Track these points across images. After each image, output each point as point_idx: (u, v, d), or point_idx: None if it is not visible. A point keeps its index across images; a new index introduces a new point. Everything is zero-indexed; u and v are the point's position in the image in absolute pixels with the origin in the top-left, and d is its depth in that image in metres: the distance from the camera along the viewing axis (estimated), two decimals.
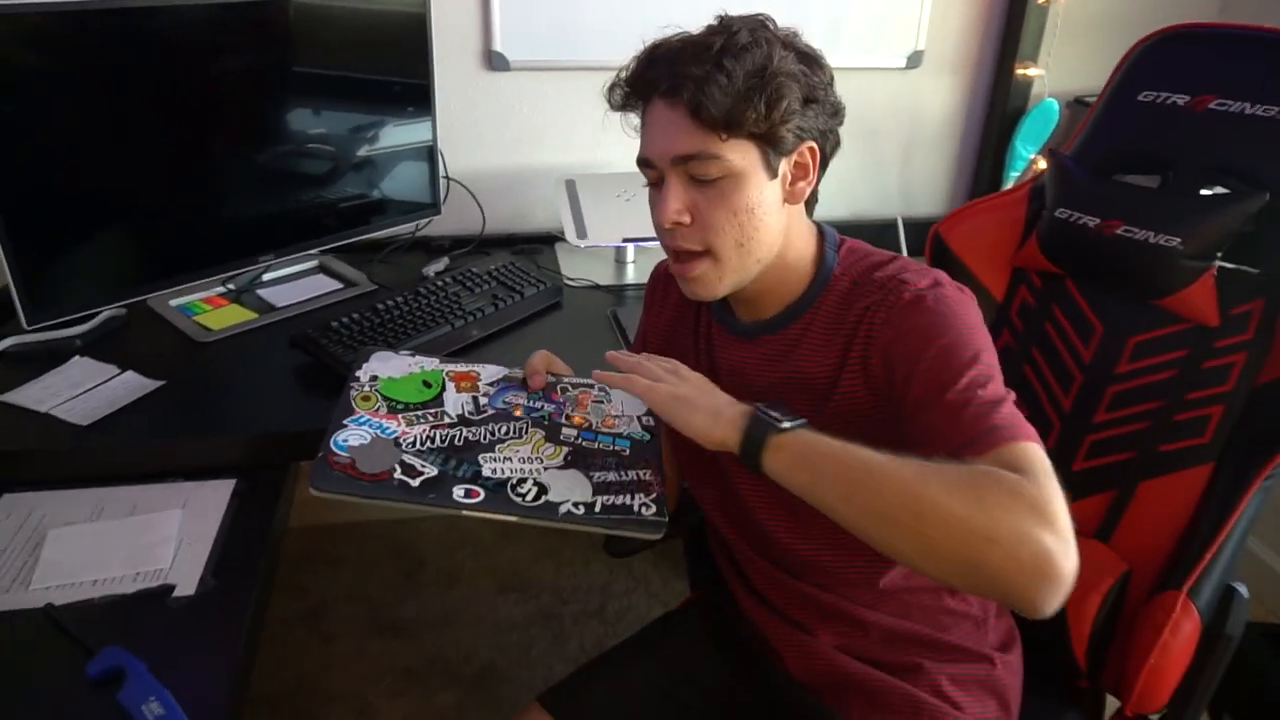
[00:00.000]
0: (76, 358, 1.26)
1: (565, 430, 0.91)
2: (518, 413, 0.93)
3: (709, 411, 0.79)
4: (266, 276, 1.54)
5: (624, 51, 0.89)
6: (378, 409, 0.90)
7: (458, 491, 0.81)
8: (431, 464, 0.84)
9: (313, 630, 1.84)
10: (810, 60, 0.85)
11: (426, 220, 1.71)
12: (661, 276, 1.09)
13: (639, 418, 0.93)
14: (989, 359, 0.78)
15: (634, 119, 0.89)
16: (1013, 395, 0.77)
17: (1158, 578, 1.03)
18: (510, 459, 0.86)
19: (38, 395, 1.16)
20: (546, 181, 1.79)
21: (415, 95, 1.57)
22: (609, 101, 0.89)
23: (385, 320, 1.32)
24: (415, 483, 0.81)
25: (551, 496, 0.82)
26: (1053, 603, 0.63)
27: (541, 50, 1.74)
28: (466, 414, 0.91)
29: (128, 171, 1.28)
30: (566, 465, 0.86)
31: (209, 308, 1.44)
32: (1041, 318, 1.16)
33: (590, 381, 0.96)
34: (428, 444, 0.86)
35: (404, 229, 1.71)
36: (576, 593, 1.96)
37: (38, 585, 0.92)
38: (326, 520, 2.09)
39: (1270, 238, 1.01)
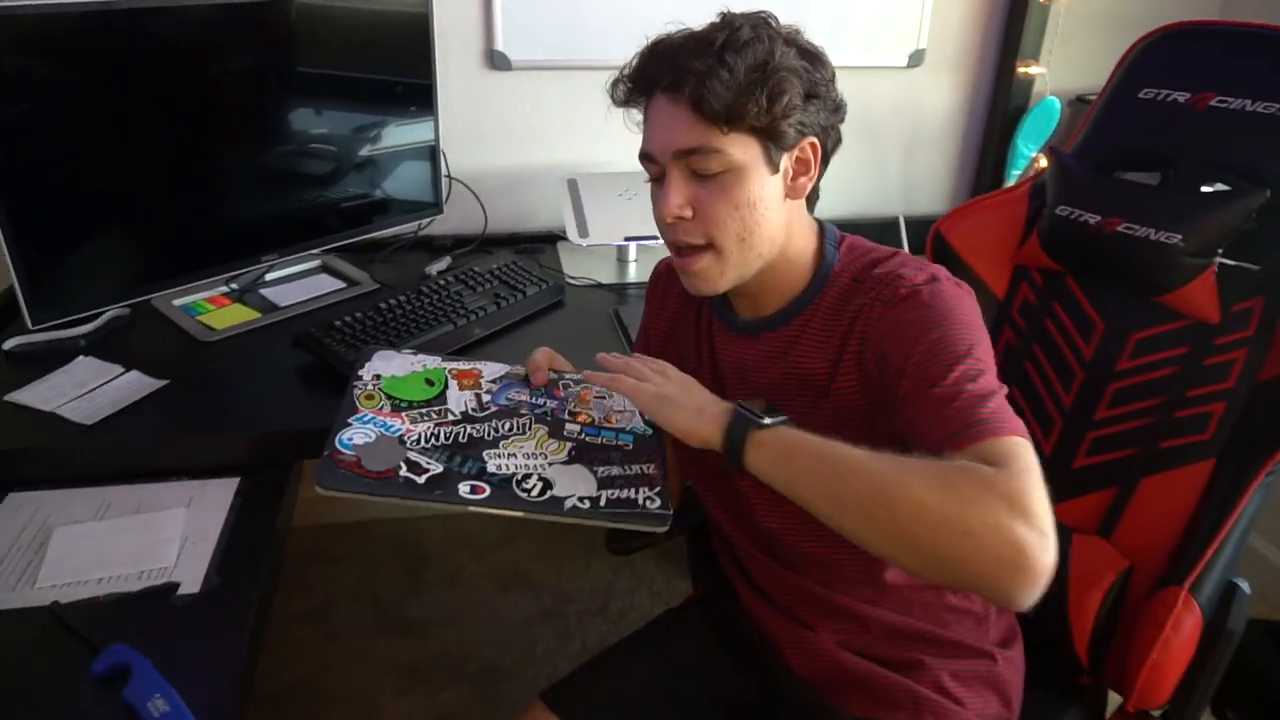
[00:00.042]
0: (81, 357, 1.27)
1: (569, 426, 0.92)
2: (522, 411, 0.93)
3: (692, 410, 0.81)
4: (269, 276, 1.54)
5: (625, 50, 0.89)
6: (381, 407, 0.90)
7: (463, 488, 0.82)
8: (436, 461, 0.84)
9: (317, 628, 1.84)
10: (812, 56, 0.86)
11: (429, 219, 1.71)
12: (662, 274, 1.09)
13: (641, 413, 0.93)
14: (982, 354, 0.78)
15: (637, 115, 0.90)
16: (1004, 390, 0.77)
17: (1159, 574, 1.03)
18: (515, 455, 0.87)
19: (43, 395, 1.17)
20: (548, 180, 1.79)
21: (417, 95, 1.57)
22: (611, 97, 0.90)
23: (388, 319, 1.32)
24: (421, 480, 0.82)
25: (557, 491, 0.83)
26: (1028, 595, 0.64)
27: (543, 50, 1.74)
28: (470, 411, 0.92)
29: (131, 172, 1.28)
30: (571, 460, 0.87)
31: (212, 307, 1.44)
32: (1043, 315, 1.16)
33: None
34: (432, 441, 0.87)
35: (406, 228, 1.71)
36: (579, 592, 1.96)
37: (43, 583, 0.92)
38: (330, 519, 2.10)
39: (1271, 234, 1.01)
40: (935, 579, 0.68)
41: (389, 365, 0.98)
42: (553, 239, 1.80)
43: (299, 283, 1.56)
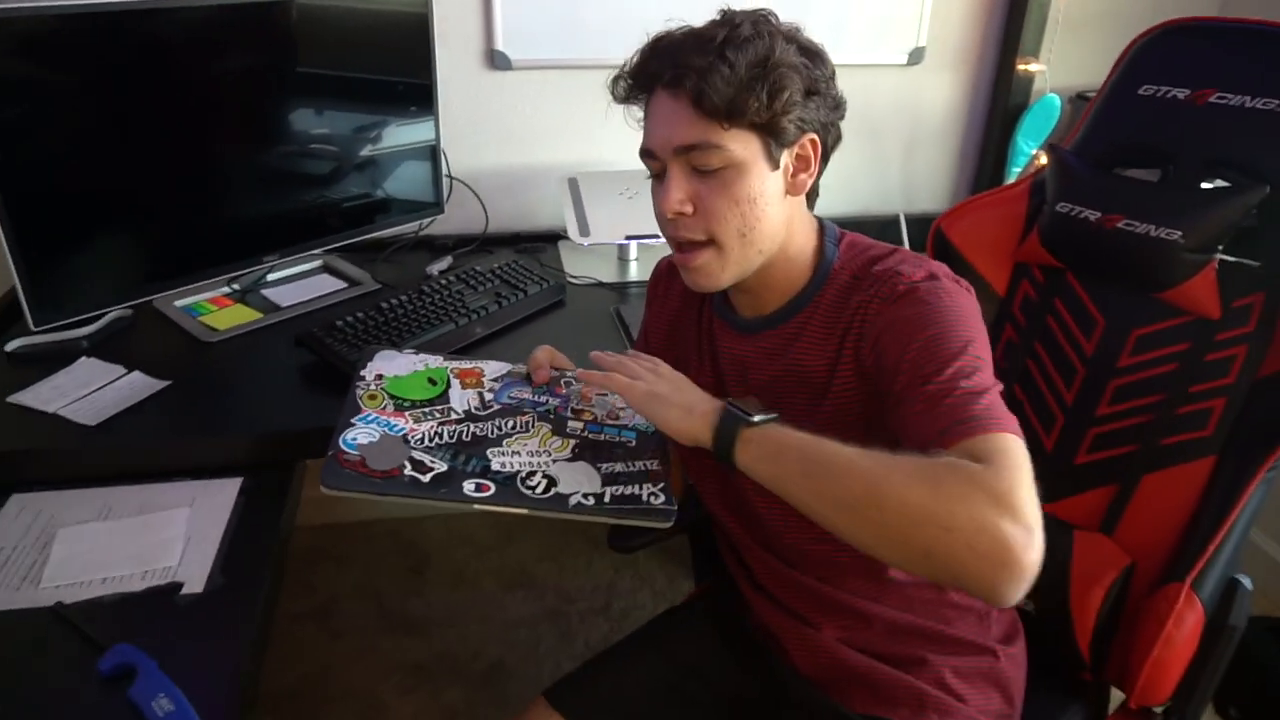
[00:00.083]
0: (83, 358, 1.27)
1: (571, 423, 0.92)
2: (524, 409, 0.93)
3: (683, 408, 0.81)
4: (271, 277, 1.54)
5: (626, 49, 0.90)
6: (385, 407, 0.91)
7: (468, 486, 0.82)
8: (441, 459, 0.84)
9: (321, 627, 1.85)
10: (812, 54, 0.86)
11: (430, 219, 1.72)
12: (663, 273, 1.09)
13: None
14: (977, 350, 0.78)
15: (637, 112, 0.90)
16: (999, 386, 0.77)
17: (1161, 570, 1.03)
18: (519, 453, 0.87)
19: (46, 395, 1.17)
20: (549, 180, 1.79)
21: (418, 95, 1.57)
22: (612, 94, 0.90)
23: (389, 319, 1.32)
24: (426, 478, 0.82)
25: (561, 489, 0.83)
26: (1013, 592, 0.64)
27: (543, 49, 1.74)
28: (473, 410, 0.92)
29: (133, 173, 1.29)
30: (574, 457, 0.87)
31: (214, 308, 1.44)
32: (1044, 311, 1.16)
33: None
34: (436, 440, 0.87)
35: (407, 228, 1.72)
36: (582, 590, 1.97)
37: (48, 584, 0.92)
38: (332, 519, 2.10)
39: (1271, 231, 1.01)
40: (922, 575, 0.68)
41: (391, 365, 0.98)
42: (554, 238, 1.80)
43: (300, 283, 1.56)
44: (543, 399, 0.95)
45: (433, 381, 0.96)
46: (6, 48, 1.12)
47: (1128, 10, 1.88)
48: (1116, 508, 1.08)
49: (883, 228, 1.82)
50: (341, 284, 1.57)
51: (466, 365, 1.00)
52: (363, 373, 0.96)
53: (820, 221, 0.95)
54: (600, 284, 1.63)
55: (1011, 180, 1.88)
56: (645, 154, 0.88)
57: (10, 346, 1.28)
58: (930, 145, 2.02)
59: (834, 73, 0.88)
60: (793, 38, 0.86)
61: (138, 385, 1.21)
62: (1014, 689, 0.98)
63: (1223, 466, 1.01)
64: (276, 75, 1.41)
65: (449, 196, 1.72)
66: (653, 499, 0.84)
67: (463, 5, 1.68)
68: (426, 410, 0.91)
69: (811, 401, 0.89)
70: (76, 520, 1.01)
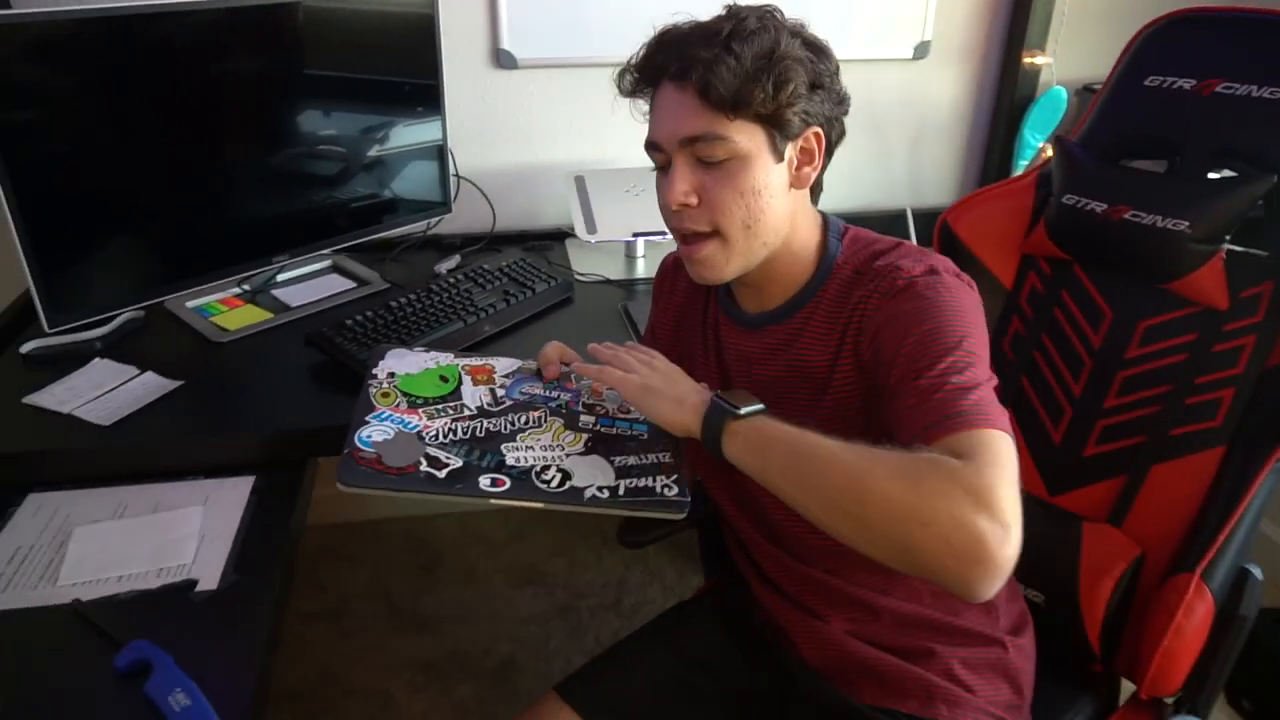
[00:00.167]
0: (97, 359, 1.28)
1: (584, 418, 0.93)
2: (536, 404, 0.94)
3: (674, 400, 0.83)
4: (281, 277, 1.56)
5: (631, 47, 0.91)
6: (398, 404, 0.91)
7: (484, 481, 0.83)
8: (456, 455, 0.85)
9: (332, 625, 1.86)
10: (817, 49, 0.87)
11: (437, 218, 1.72)
12: (669, 269, 1.10)
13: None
14: (973, 346, 0.79)
15: (643, 106, 0.91)
16: (992, 382, 0.77)
17: (1171, 561, 1.03)
18: (532, 447, 0.88)
19: (60, 396, 1.18)
20: (556, 178, 1.80)
21: (424, 95, 1.58)
22: (619, 88, 0.91)
23: (399, 318, 1.33)
24: (441, 474, 0.83)
25: (576, 482, 0.84)
26: (987, 587, 0.65)
27: (549, 48, 1.75)
28: (485, 406, 0.93)
29: (144, 176, 1.30)
30: (587, 451, 0.88)
31: (225, 308, 1.45)
32: (1051, 304, 1.16)
33: None
34: (450, 436, 0.88)
35: (415, 227, 1.72)
36: (592, 586, 1.97)
37: (65, 581, 0.93)
38: (342, 518, 2.11)
39: (1279, 220, 1.01)
40: (901, 568, 0.69)
41: (402, 363, 0.99)
42: (561, 236, 1.81)
43: (310, 283, 1.57)
44: (554, 394, 0.96)
45: (444, 379, 0.97)
46: (20, 53, 1.13)
47: (1133, 1, 1.86)
48: (1125, 499, 1.08)
49: (890, 222, 1.83)
50: (350, 283, 1.58)
51: (477, 362, 1.00)
52: (374, 371, 0.97)
53: (824, 216, 0.95)
54: (608, 281, 1.63)
55: (1018, 173, 1.88)
56: (650, 146, 0.89)
57: (25, 348, 1.30)
58: (937, 139, 2.02)
59: (838, 68, 0.89)
60: (797, 32, 0.86)
61: (150, 386, 1.22)
62: (1023, 680, 0.98)
63: (1232, 457, 1.01)
64: (284, 77, 1.42)
65: (456, 196, 1.73)
66: (666, 491, 0.85)
67: (468, 5, 1.69)
68: (439, 407, 0.92)
69: (814, 396, 0.89)
70: (92, 519, 1.03)
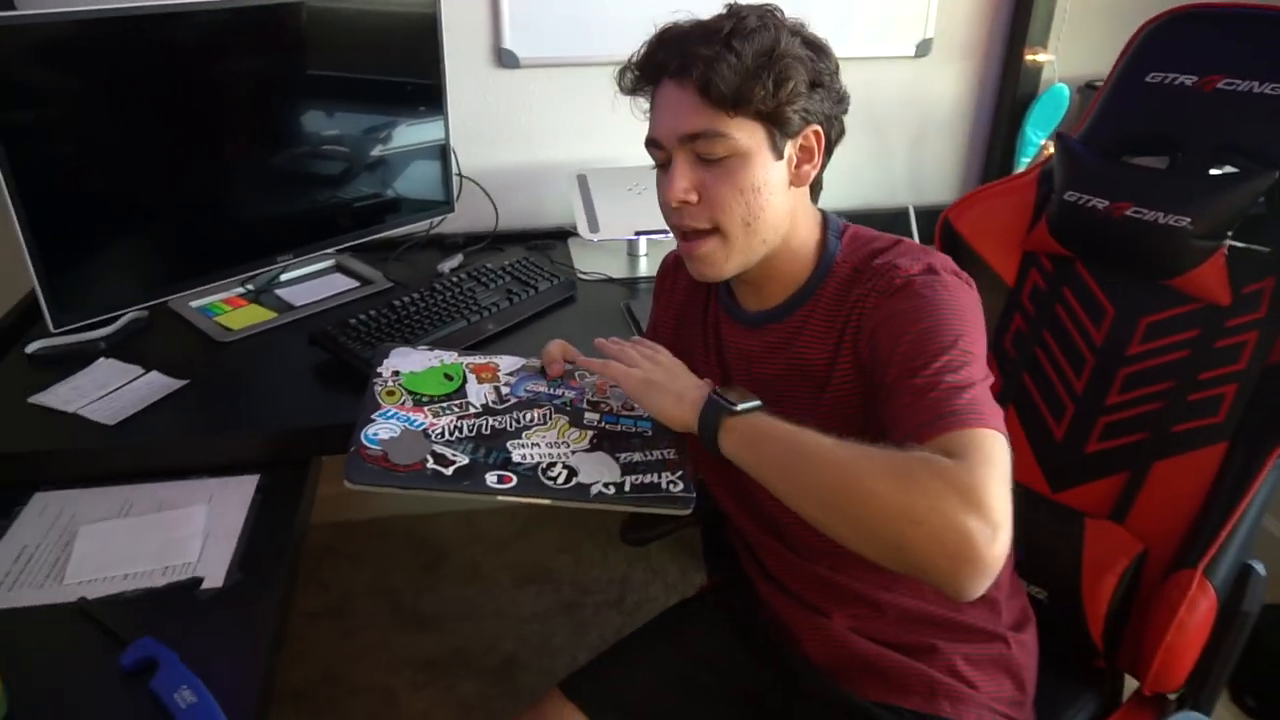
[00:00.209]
0: (102, 359, 1.29)
1: (588, 415, 0.93)
2: (541, 402, 0.95)
3: (673, 395, 0.84)
4: (284, 276, 1.56)
5: (633, 46, 0.91)
6: (403, 403, 0.92)
7: (490, 478, 0.83)
8: (462, 453, 0.86)
9: (336, 624, 1.86)
10: (817, 47, 0.87)
11: (440, 218, 1.73)
12: (670, 267, 1.10)
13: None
14: (968, 345, 0.79)
15: (643, 104, 0.91)
16: (988, 381, 0.77)
17: (1173, 557, 1.03)
18: (538, 444, 0.88)
19: (66, 396, 1.19)
20: (558, 177, 1.80)
21: (427, 94, 1.58)
22: (619, 85, 0.91)
23: (402, 317, 1.34)
24: (448, 471, 0.83)
25: (582, 479, 0.84)
26: (975, 586, 0.65)
27: (551, 47, 1.75)
28: (490, 404, 0.93)
29: (148, 176, 1.30)
30: (593, 448, 0.89)
31: (229, 308, 1.46)
32: (1053, 301, 1.16)
33: None
34: (456, 434, 0.88)
35: (418, 227, 1.73)
36: (596, 584, 1.98)
37: (70, 580, 0.94)
38: (345, 516, 2.12)
39: None
40: (892, 566, 0.70)
41: (407, 361, 0.99)
42: (564, 235, 1.81)
43: (313, 282, 1.58)
44: (558, 392, 0.97)
45: (449, 377, 0.97)
46: (25, 54, 1.13)
47: None
48: (1128, 495, 1.08)
49: (892, 220, 1.83)
50: (354, 283, 1.58)
51: (481, 361, 1.01)
52: (379, 370, 0.97)
53: (824, 214, 0.96)
54: (610, 280, 1.63)
55: (1020, 171, 1.88)
56: (651, 144, 0.89)
57: (31, 348, 1.30)
58: (938, 137, 2.02)
59: (838, 67, 0.89)
60: (797, 31, 0.87)
61: (155, 385, 1.23)
62: (1026, 676, 0.99)
63: (1234, 453, 1.01)
64: (287, 77, 1.43)
65: (459, 195, 1.73)
66: (671, 487, 0.85)
67: (471, 4, 1.69)
68: (445, 405, 0.92)
69: (813, 394, 0.90)
70: (98, 518, 1.03)
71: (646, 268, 1.68)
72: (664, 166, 0.89)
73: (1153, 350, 1.08)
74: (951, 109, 1.99)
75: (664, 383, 0.86)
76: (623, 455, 0.88)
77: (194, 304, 1.45)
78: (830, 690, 0.98)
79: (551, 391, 0.96)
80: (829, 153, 0.91)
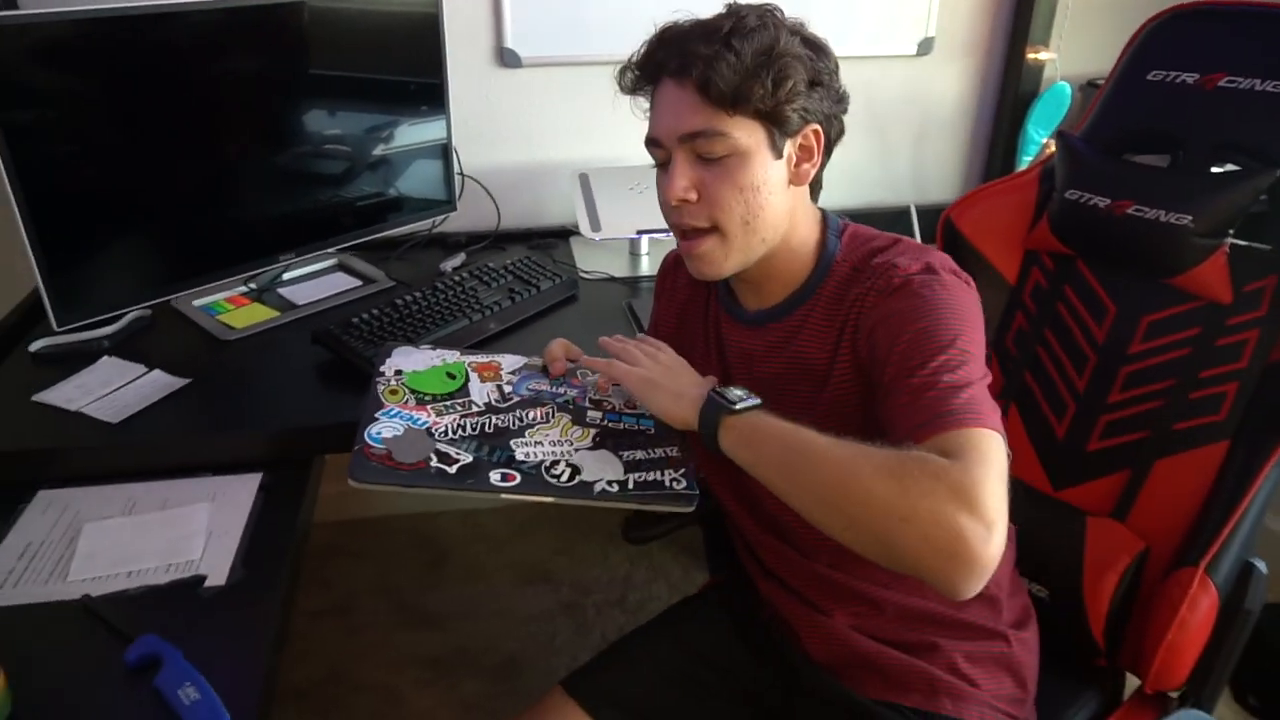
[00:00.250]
0: (105, 357, 1.29)
1: (591, 413, 0.94)
2: (544, 400, 0.95)
3: (673, 393, 0.85)
4: (287, 275, 1.56)
5: (634, 45, 0.91)
6: (406, 401, 0.92)
7: (494, 476, 0.84)
8: (466, 451, 0.86)
9: (339, 622, 1.87)
10: (816, 47, 0.87)
11: (443, 217, 1.73)
12: (671, 266, 1.10)
13: None
14: (966, 344, 0.79)
15: (644, 103, 0.91)
16: (986, 380, 0.78)
17: (1175, 555, 1.03)
18: (541, 443, 0.88)
19: (69, 394, 1.19)
20: (560, 176, 1.81)
21: (429, 94, 1.59)
22: (620, 85, 0.91)
23: (404, 315, 1.34)
24: (452, 470, 0.83)
25: (585, 476, 0.85)
26: (969, 585, 0.65)
27: (553, 46, 1.75)
28: (493, 402, 0.94)
29: (151, 176, 1.31)
30: (596, 446, 0.89)
31: (231, 307, 1.46)
32: (1054, 299, 1.16)
33: None
34: (459, 432, 0.89)
35: (420, 226, 1.73)
36: (597, 583, 1.98)
37: (75, 577, 0.94)
38: (348, 515, 2.12)
39: None
40: (886, 564, 0.70)
41: (409, 360, 0.99)
42: (565, 234, 1.81)
43: (316, 281, 1.58)
44: (561, 390, 0.97)
45: (451, 376, 0.97)
46: (28, 53, 1.14)
47: None
48: (1129, 494, 1.08)
49: (894, 219, 1.83)
50: (356, 282, 1.59)
51: (483, 359, 1.01)
52: (382, 369, 0.97)
53: (823, 213, 0.96)
54: (612, 279, 1.64)
55: (1022, 169, 1.88)
56: (651, 143, 0.90)
57: (34, 347, 1.31)
58: (940, 136, 2.02)
59: (837, 66, 0.90)
60: (797, 30, 0.87)
61: (158, 383, 1.23)
62: (1026, 674, 0.99)
63: (1236, 451, 1.01)
64: (289, 77, 1.43)
65: (461, 194, 1.73)
66: (675, 484, 0.86)
67: (473, 4, 1.69)
68: (448, 404, 0.93)
69: (813, 393, 0.90)
70: (101, 515, 1.03)
71: (648, 266, 1.68)
72: (664, 165, 0.90)
73: (1154, 348, 1.08)
74: (953, 107, 1.99)
75: (664, 381, 0.86)
76: (626, 453, 0.88)
77: (196, 303, 1.46)
78: (831, 688, 0.98)
79: (554, 390, 0.97)
80: (828, 152, 0.91)
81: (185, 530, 1.01)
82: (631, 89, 0.91)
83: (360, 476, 0.82)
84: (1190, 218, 1.02)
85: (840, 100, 0.90)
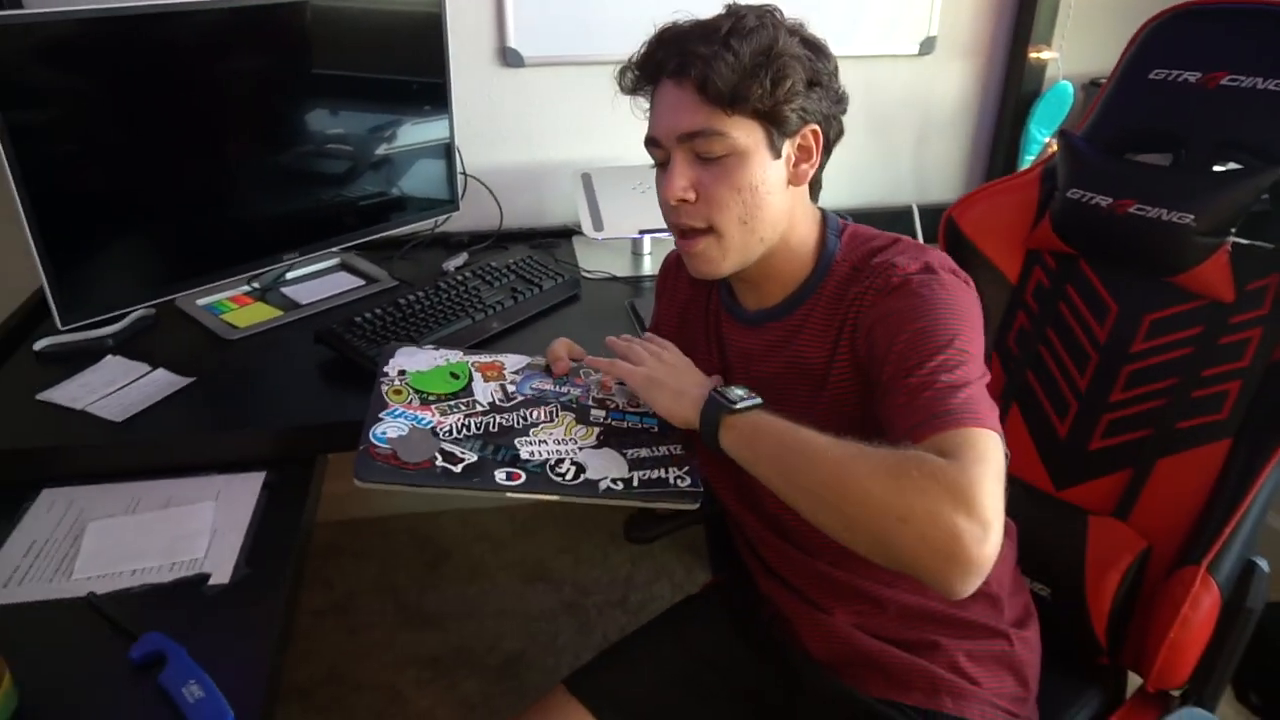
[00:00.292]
0: (109, 356, 1.29)
1: (594, 412, 0.94)
2: (548, 399, 0.95)
3: (674, 392, 0.85)
4: (290, 275, 1.57)
5: (636, 45, 0.91)
6: (410, 401, 0.92)
7: (499, 475, 0.84)
8: (471, 450, 0.86)
9: (340, 621, 1.87)
10: (815, 47, 0.88)
11: (445, 216, 1.73)
12: (672, 266, 1.11)
13: None
14: (964, 344, 0.79)
15: (644, 104, 0.92)
16: (984, 379, 0.78)
17: (1177, 554, 1.03)
18: (545, 441, 0.89)
19: (73, 393, 1.20)
20: (563, 176, 1.81)
21: (432, 93, 1.59)
22: (619, 85, 0.92)
23: (407, 315, 1.34)
24: (457, 469, 0.84)
25: (590, 475, 0.85)
26: (964, 584, 0.66)
27: (555, 46, 1.75)
28: (497, 402, 0.94)
29: (154, 175, 1.31)
30: (600, 445, 0.89)
31: (235, 306, 1.47)
32: (1056, 298, 1.16)
33: None
34: (464, 431, 0.89)
35: (423, 225, 1.73)
36: (599, 583, 1.98)
37: (79, 575, 0.95)
38: (349, 515, 2.12)
39: None
40: (883, 563, 0.70)
41: (412, 360, 1.00)
42: (568, 233, 1.82)
43: (319, 281, 1.58)
44: (564, 389, 0.97)
45: (455, 376, 0.98)
46: (32, 53, 1.14)
47: None
48: (1131, 492, 1.08)
49: (895, 218, 1.83)
50: (359, 281, 1.59)
51: (486, 359, 1.01)
52: (385, 369, 0.97)
53: (823, 213, 0.96)
54: (614, 278, 1.64)
55: (1023, 169, 1.88)
56: (650, 143, 0.90)
57: (39, 346, 1.31)
58: (942, 135, 2.02)
59: (836, 67, 0.90)
60: (796, 31, 0.88)
61: (162, 382, 1.23)
62: (1028, 672, 0.99)
63: (1238, 450, 1.01)
64: (292, 77, 1.43)
65: (464, 194, 1.73)
66: (679, 482, 0.86)
67: (475, 3, 1.70)
68: (452, 403, 0.93)
69: (812, 392, 0.90)
70: (106, 514, 1.04)
71: (650, 266, 1.68)
72: (663, 165, 0.90)
73: (1156, 347, 1.08)
74: (955, 107, 2.00)
75: (667, 379, 0.87)
76: (630, 451, 0.89)
77: (200, 302, 1.46)
78: (832, 686, 0.98)
79: (557, 389, 0.97)
80: (828, 152, 0.91)
81: (189, 529, 1.02)
82: (631, 89, 0.91)
83: (366, 477, 0.82)
84: (1192, 216, 1.02)
85: (839, 101, 0.90)
